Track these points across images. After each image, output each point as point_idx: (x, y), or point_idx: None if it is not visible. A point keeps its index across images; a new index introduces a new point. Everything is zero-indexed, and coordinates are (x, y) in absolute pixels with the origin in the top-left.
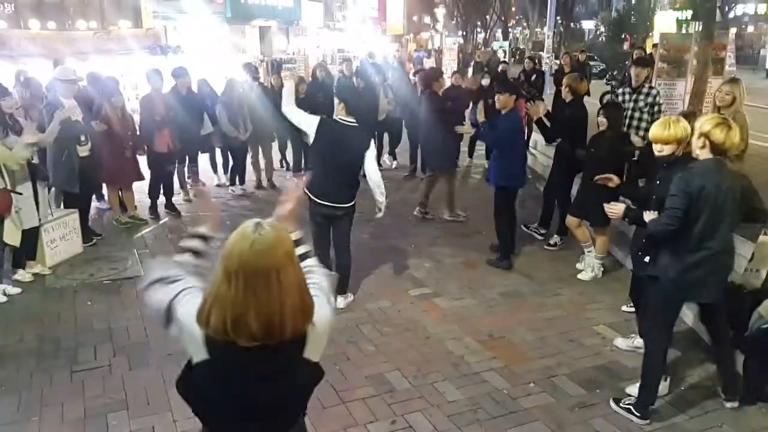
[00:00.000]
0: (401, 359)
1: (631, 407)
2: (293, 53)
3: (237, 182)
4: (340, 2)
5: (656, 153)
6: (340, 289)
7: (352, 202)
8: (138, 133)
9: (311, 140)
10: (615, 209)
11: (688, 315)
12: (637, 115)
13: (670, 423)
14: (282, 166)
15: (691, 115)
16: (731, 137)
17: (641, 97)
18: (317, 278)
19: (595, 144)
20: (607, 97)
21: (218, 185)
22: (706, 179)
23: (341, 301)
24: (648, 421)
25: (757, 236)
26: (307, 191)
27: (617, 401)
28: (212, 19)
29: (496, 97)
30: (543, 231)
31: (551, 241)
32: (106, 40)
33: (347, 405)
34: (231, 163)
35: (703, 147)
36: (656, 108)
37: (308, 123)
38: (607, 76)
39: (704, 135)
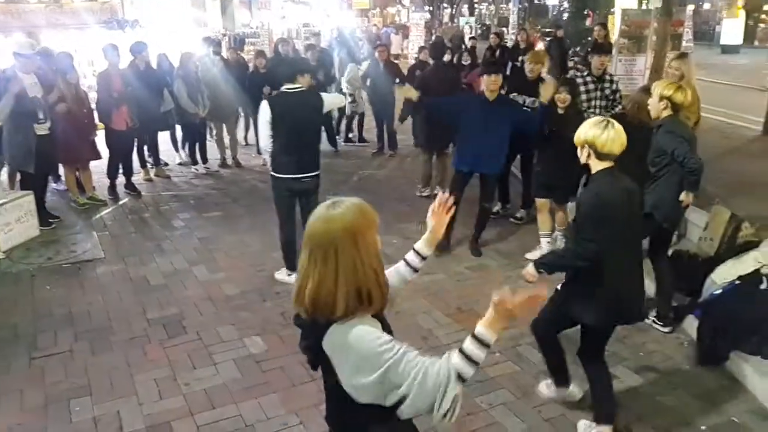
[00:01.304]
0: None
1: None
2: (256, 27)
3: (200, 161)
4: None
5: None
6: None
7: (319, 170)
8: (94, 110)
9: (271, 123)
10: None
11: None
12: (603, 103)
13: (628, 386)
14: (245, 143)
15: (647, 91)
16: (687, 97)
17: (606, 84)
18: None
19: (560, 122)
20: (571, 72)
21: (180, 164)
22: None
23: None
24: None
25: (710, 206)
26: (275, 173)
27: None
28: None
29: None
30: (506, 206)
31: (517, 215)
32: (58, 14)
33: (317, 381)
34: (190, 140)
35: (665, 108)
36: (618, 95)
37: (265, 117)
38: (570, 51)
39: (666, 98)
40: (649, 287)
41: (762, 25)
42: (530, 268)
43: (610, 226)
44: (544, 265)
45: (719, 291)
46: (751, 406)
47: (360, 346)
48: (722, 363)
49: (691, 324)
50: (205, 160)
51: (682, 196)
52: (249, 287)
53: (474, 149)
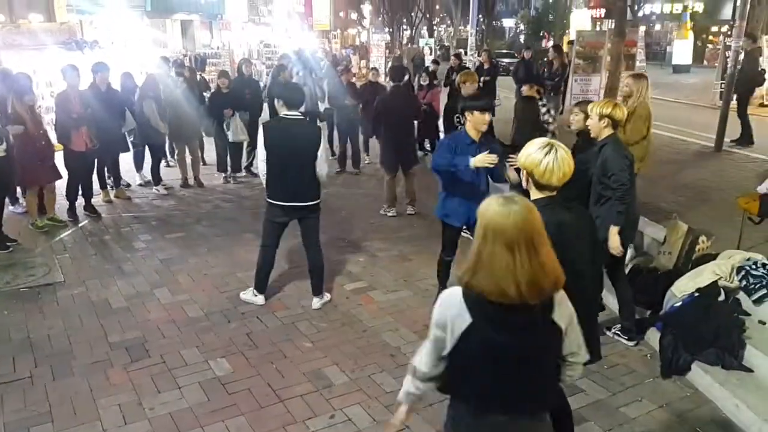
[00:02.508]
0: (338, 354)
1: None
2: (218, 48)
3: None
4: None
5: None
6: (317, 290)
7: (319, 199)
8: (49, 132)
9: (266, 149)
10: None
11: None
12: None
13: (595, 400)
14: (204, 163)
15: (585, 103)
16: (623, 113)
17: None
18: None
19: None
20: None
21: (141, 185)
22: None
23: (317, 302)
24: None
25: (668, 220)
26: (270, 200)
27: None
28: (131, 13)
29: None
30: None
31: None
32: (15, 34)
33: (285, 403)
34: (155, 160)
35: (606, 126)
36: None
37: (261, 141)
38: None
39: (606, 116)
40: (613, 303)
41: (710, 46)
42: None
43: None
44: None
45: (679, 303)
46: (713, 416)
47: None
48: (684, 374)
49: (653, 337)
50: (159, 180)
51: (611, 235)
52: (213, 309)
53: (467, 198)
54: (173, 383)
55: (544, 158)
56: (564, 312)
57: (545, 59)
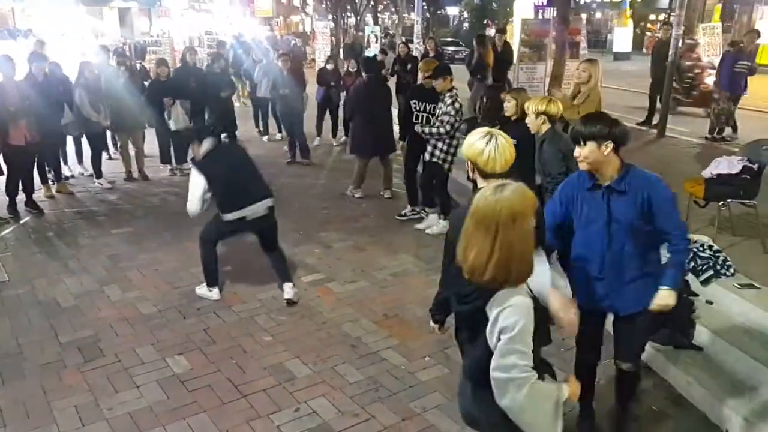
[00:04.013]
0: (299, 346)
1: None
2: (157, 36)
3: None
4: None
5: None
6: (287, 277)
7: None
8: None
9: (209, 173)
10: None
11: None
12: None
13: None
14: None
15: (522, 91)
16: (558, 108)
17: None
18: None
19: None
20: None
21: (73, 177)
22: None
23: (290, 289)
24: None
25: None
26: (228, 217)
27: None
28: (65, 0)
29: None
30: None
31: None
32: None
33: (248, 398)
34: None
35: (543, 123)
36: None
37: (193, 184)
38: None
39: (542, 113)
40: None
41: (648, 33)
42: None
43: None
44: None
45: None
46: (667, 394)
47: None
48: None
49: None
50: (101, 174)
51: None
52: (167, 305)
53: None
54: (130, 382)
55: (485, 147)
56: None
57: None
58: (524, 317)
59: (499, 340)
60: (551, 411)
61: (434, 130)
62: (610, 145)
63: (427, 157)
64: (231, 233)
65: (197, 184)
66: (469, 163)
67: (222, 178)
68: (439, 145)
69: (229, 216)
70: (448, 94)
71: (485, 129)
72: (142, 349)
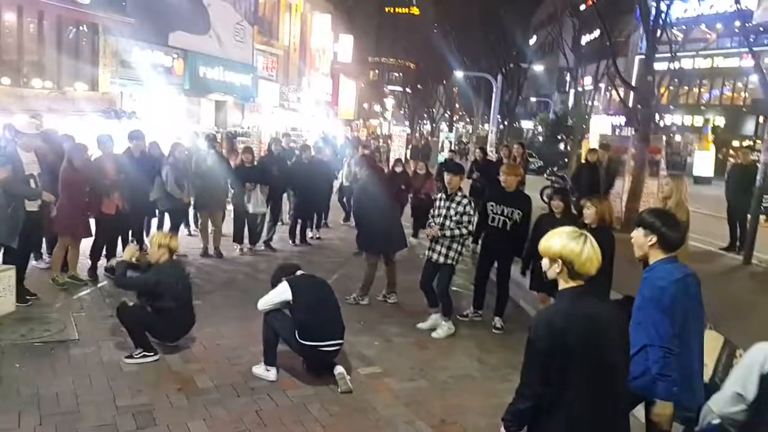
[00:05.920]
0: None
1: None
2: (248, 128)
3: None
4: (295, 85)
5: None
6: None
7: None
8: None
9: (292, 302)
10: None
11: None
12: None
13: None
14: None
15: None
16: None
17: (453, 204)
18: None
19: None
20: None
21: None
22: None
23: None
24: None
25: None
26: (302, 342)
27: None
28: (169, 89)
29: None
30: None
31: (497, 325)
32: (59, 100)
33: None
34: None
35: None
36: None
37: (278, 293)
38: (547, 172)
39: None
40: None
41: (731, 160)
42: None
43: (565, 362)
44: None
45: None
46: None
47: None
48: None
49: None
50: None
51: None
52: (223, 381)
53: None
54: None
55: (583, 247)
56: None
57: (565, 160)
58: None
59: None
60: None
61: (459, 231)
62: (655, 239)
63: (441, 259)
64: (299, 348)
65: (281, 293)
66: (559, 262)
67: (306, 306)
68: (454, 246)
69: (303, 342)
70: (459, 194)
71: (574, 228)
72: (193, 424)
